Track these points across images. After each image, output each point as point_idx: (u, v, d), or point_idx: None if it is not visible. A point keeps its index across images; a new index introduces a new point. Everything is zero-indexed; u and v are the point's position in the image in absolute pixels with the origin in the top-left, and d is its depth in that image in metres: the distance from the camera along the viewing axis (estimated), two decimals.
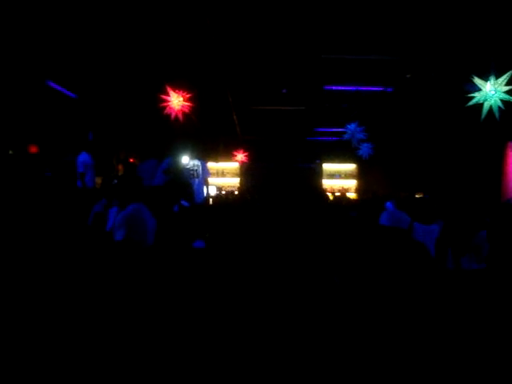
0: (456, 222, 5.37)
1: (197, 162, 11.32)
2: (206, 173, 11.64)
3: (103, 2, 5.96)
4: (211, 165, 16.22)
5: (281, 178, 16.58)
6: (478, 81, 6.14)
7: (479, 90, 6.18)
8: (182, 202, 5.78)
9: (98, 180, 9.45)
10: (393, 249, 3.45)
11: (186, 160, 11.29)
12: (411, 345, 2.59)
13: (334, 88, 9.99)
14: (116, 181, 9.16)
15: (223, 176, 16.75)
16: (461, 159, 12.05)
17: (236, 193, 15.29)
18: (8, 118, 6.84)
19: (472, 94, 6.21)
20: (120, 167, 12.01)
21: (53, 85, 8.38)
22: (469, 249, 5.11)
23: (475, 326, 2.85)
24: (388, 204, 6.97)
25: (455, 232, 5.20)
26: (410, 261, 3.32)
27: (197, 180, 11.08)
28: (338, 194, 13.58)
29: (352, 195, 15.46)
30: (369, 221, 6.10)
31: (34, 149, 8.10)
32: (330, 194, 12.38)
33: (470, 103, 6.24)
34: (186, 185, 7.20)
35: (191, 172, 11.13)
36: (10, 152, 7.12)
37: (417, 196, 11.41)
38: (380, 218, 5.78)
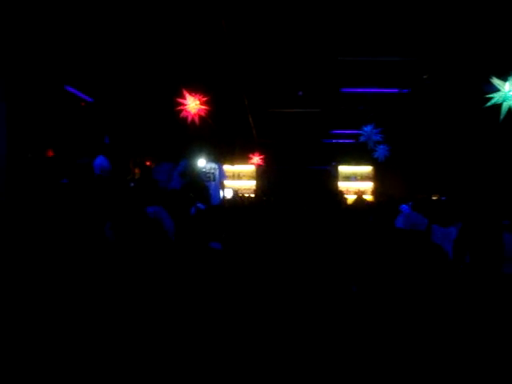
0: (474, 224, 5.32)
1: (213, 165, 11.33)
2: (222, 176, 11.65)
3: (119, 6, 6.00)
4: (227, 168, 16.25)
5: (297, 180, 16.62)
6: (496, 81, 6.07)
7: (498, 90, 6.11)
8: (199, 205, 5.77)
9: None
10: (411, 252, 3.43)
11: (202, 163, 11.32)
12: (429, 347, 2.56)
13: (350, 90, 9.95)
14: (133, 184, 9.19)
15: (239, 179, 16.75)
16: (479, 160, 11.95)
17: (252, 195, 15.31)
18: (27, 122, 6.90)
19: (490, 95, 6.14)
20: (136, 170, 12.06)
21: (70, 89, 8.46)
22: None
23: (496, 328, 2.82)
24: (403, 206, 6.91)
25: (473, 234, 5.15)
26: (428, 264, 3.29)
27: (213, 183, 11.09)
28: (354, 196, 13.52)
29: (368, 197, 15.40)
30: (386, 224, 6.06)
31: (51, 152, 8.17)
32: (348, 198, 12.29)
33: (489, 104, 6.16)
34: (203, 188, 7.20)
35: (208, 175, 11.14)
36: (29, 155, 7.18)
37: (433, 198, 11.32)
38: (396, 220, 5.74)
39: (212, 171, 11.34)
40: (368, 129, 10.99)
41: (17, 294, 2.83)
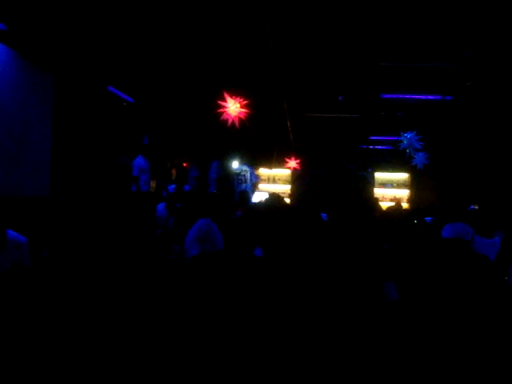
0: None
1: (245, 168, 11.41)
2: (254, 178, 11.71)
3: (162, 8, 6.05)
4: (264, 171, 16.25)
5: (332, 185, 16.51)
6: None
7: None
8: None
9: (153, 184, 9.61)
10: (454, 261, 3.35)
11: (235, 165, 11.39)
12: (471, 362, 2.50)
13: (390, 96, 9.85)
14: (172, 186, 9.28)
15: (274, 182, 16.73)
16: None
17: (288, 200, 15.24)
18: (72, 120, 7.02)
19: None
20: (173, 171, 12.19)
21: (112, 89, 8.58)
22: None
23: None
24: (427, 218, 6.81)
25: None
26: (473, 274, 3.21)
27: (244, 185, 11.17)
28: (391, 203, 13.37)
29: (404, 205, 15.20)
30: (427, 232, 5.94)
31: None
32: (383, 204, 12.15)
33: None
34: (243, 191, 7.23)
35: (239, 177, 11.22)
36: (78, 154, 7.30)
37: (475, 207, 11.12)
38: (442, 231, 5.63)
39: (244, 173, 11.43)
40: (410, 135, 10.83)
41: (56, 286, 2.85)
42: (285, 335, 2.60)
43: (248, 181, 11.55)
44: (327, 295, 3.18)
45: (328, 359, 2.58)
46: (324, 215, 5.61)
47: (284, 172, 16.69)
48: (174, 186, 9.95)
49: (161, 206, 7.65)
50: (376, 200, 12.48)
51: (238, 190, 10.20)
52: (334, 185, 16.53)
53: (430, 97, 9.88)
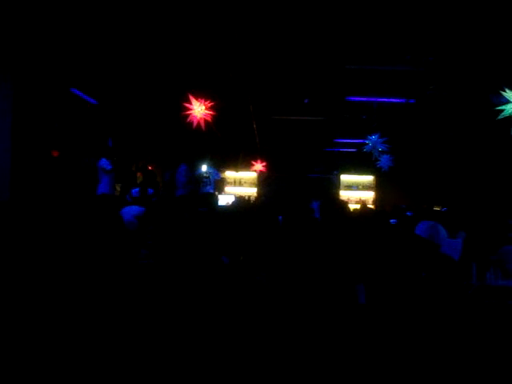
0: (479, 235, 5.27)
1: (210, 170, 11.40)
2: (216, 175, 11.69)
3: (126, 10, 5.97)
4: (230, 174, 16.20)
5: (298, 188, 16.55)
6: (508, 93, 5.97)
7: (508, 102, 6.02)
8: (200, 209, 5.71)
9: (117, 187, 9.45)
10: (423, 262, 3.37)
11: (204, 168, 11.37)
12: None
13: (355, 99, 9.92)
14: (135, 190, 9.14)
15: (240, 185, 16.66)
16: (482, 172, 11.94)
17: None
18: (32, 123, 6.86)
19: (502, 107, 6.03)
20: (139, 174, 12.04)
21: (75, 91, 8.42)
22: (492, 263, 4.99)
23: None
24: (392, 220, 6.85)
25: (478, 246, 5.11)
26: (440, 277, 3.24)
27: (209, 187, 11.17)
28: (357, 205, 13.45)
29: (370, 207, 15.31)
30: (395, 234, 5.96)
31: (56, 152, 8.14)
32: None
33: (500, 116, 6.05)
34: (210, 194, 7.16)
35: (205, 180, 11.21)
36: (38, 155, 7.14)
37: (435, 209, 11.29)
38: (417, 227, 5.64)
39: (208, 175, 11.42)
40: (374, 138, 10.93)
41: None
42: (261, 336, 2.58)
43: (212, 182, 11.55)
44: (300, 297, 3.17)
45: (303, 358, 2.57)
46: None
47: (250, 175, 16.65)
48: (137, 189, 9.81)
49: (126, 210, 7.52)
50: (345, 202, 12.51)
51: (202, 192, 10.17)
52: (300, 187, 16.57)
53: (395, 100, 9.99)
